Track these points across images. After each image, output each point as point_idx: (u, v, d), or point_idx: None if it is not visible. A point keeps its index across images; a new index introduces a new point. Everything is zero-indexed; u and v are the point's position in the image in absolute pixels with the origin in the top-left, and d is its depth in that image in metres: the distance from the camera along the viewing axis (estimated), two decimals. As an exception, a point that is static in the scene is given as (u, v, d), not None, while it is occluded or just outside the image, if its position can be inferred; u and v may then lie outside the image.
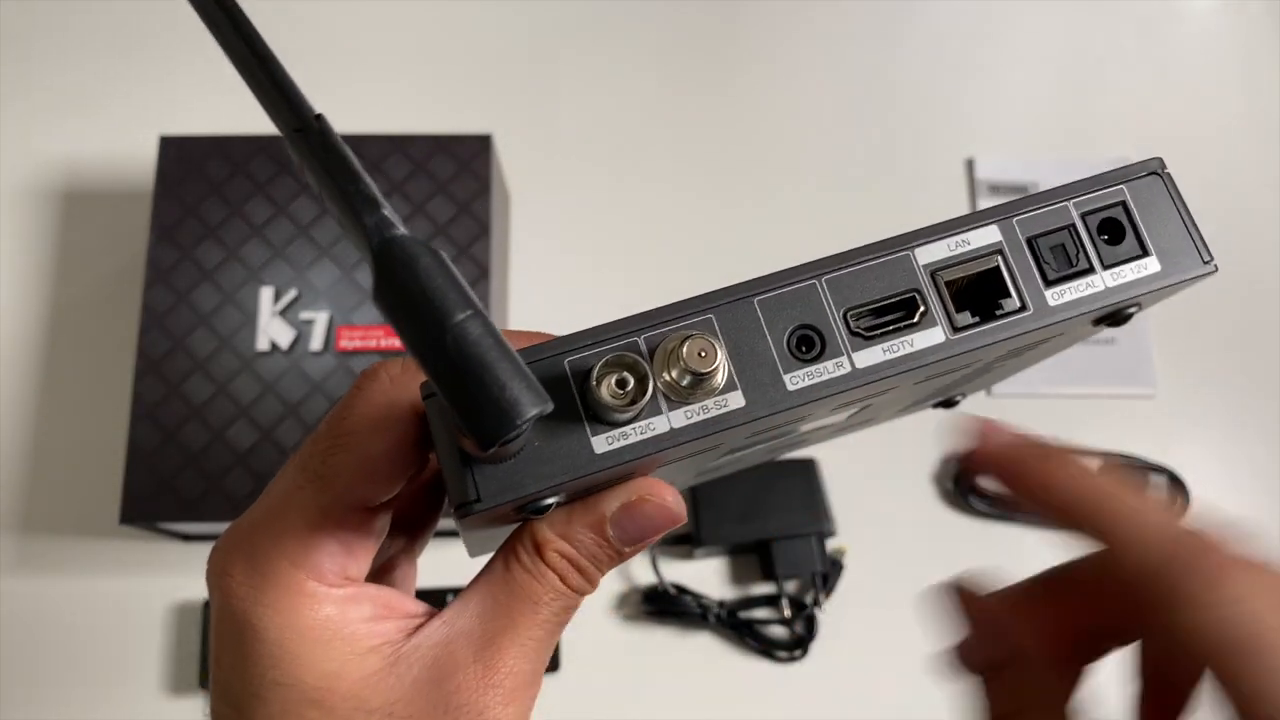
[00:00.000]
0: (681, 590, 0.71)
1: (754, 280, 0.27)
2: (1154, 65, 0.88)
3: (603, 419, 0.25)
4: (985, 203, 0.83)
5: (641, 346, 0.26)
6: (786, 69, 0.88)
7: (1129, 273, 0.28)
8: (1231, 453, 0.78)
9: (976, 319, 0.27)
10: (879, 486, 0.75)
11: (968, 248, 0.27)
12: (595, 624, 0.72)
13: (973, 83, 0.88)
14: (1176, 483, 0.75)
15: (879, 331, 0.26)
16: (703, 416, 0.25)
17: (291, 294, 0.68)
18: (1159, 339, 0.79)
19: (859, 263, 0.27)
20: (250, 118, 0.84)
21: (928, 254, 0.27)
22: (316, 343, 0.67)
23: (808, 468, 0.73)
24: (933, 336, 0.27)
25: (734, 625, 0.70)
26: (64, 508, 0.74)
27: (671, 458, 0.27)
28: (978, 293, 0.27)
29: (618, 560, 0.28)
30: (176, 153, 0.71)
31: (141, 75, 0.85)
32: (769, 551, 0.70)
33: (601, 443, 0.25)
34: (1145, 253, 0.28)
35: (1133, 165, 0.29)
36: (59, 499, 0.74)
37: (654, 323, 0.26)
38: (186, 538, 0.71)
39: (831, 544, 0.72)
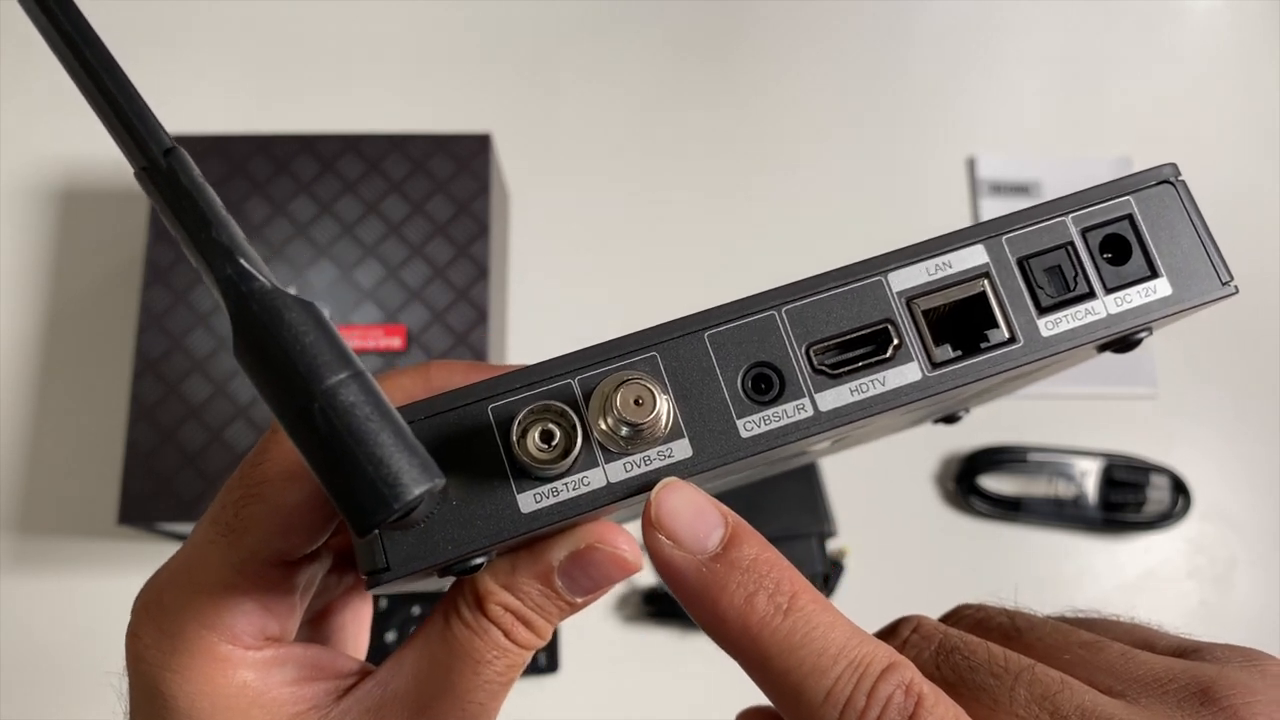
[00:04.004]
0: (681, 591, 0.71)
1: (705, 312, 0.23)
2: (1154, 65, 0.88)
3: (530, 474, 0.22)
4: (986, 202, 0.83)
5: (575, 390, 0.23)
6: (787, 68, 0.87)
7: (1136, 297, 0.24)
8: (1231, 453, 0.78)
9: (958, 353, 0.24)
10: (879, 486, 0.75)
11: (949, 271, 0.24)
12: (595, 624, 0.72)
13: (974, 82, 0.87)
14: (1177, 483, 0.75)
15: (846, 369, 0.23)
16: (644, 469, 0.23)
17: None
18: (1159, 339, 0.79)
19: (824, 290, 0.24)
20: (249, 118, 0.84)
21: (903, 279, 0.24)
22: (316, 343, 0.67)
23: (808, 468, 0.73)
24: (908, 374, 0.23)
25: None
26: (62, 508, 0.73)
27: (613, 511, 0.24)
28: (961, 322, 0.24)
29: (570, 611, 0.25)
30: (175, 152, 0.71)
31: (141, 75, 0.85)
32: (769, 552, 0.70)
33: (529, 500, 0.22)
34: (1154, 274, 0.24)
35: (1142, 173, 0.25)
36: (57, 499, 0.74)
37: (590, 362, 0.23)
38: (185, 539, 0.71)
39: (832, 544, 0.72)
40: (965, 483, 0.74)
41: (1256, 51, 0.89)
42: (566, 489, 0.22)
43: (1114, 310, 0.24)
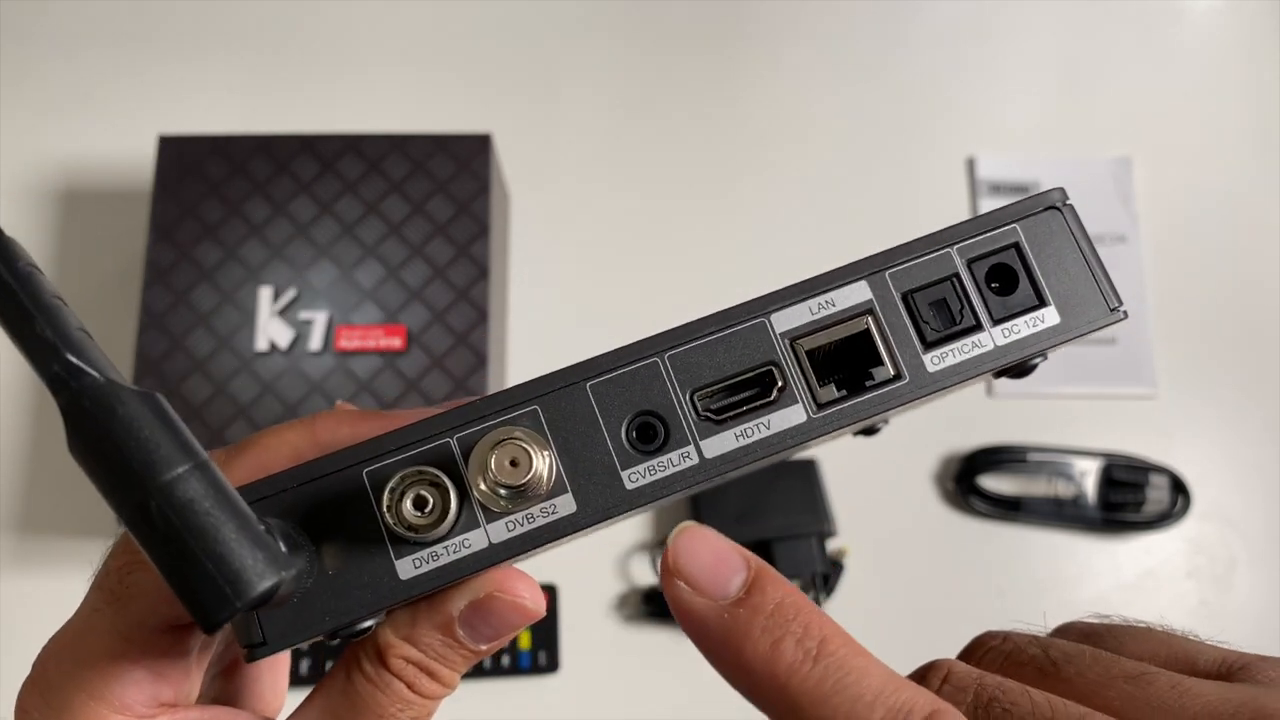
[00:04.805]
0: (681, 590, 0.71)
1: (586, 362, 0.23)
2: (1154, 65, 0.88)
3: (407, 539, 0.22)
4: (986, 202, 0.83)
5: (455, 449, 0.22)
6: (787, 68, 0.88)
7: (1023, 327, 0.24)
8: (1231, 453, 0.78)
9: (843, 393, 0.23)
10: (879, 486, 0.75)
11: (832, 309, 0.23)
12: (595, 624, 0.72)
13: (974, 82, 0.87)
14: (1176, 483, 0.75)
15: (730, 414, 0.23)
16: (528, 527, 0.22)
17: (290, 294, 0.68)
18: (1159, 339, 0.79)
19: (707, 335, 0.23)
20: (249, 118, 0.84)
21: (786, 320, 0.23)
22: (315, 342, 0.67)
23: (808, 468, 0.73)
24: (792, 416, 0.23)
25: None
26: (63, 508, 0.74)
27: (510, 563, 0.24)
28: (846, 359, 0.24)
29: (475, 659, 0.24)
30: (175, 152, 0.71)
31: (141, 75, 0.85)
32: (769, 552, 0.70)
33: (407, 566, 0.22)
34: (1042, 303, 0.24)
35: (1028, 199, 0.24)
36: (58, 499, 0.74)
37: (468, 420, 0.22)
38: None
39: (832, 544, 0.72)
40: (965, 482, 0.74)
41: (1256, 51, 0.89)
42: (446, 553, 0.22)
43: (1001, 342, 0.24)
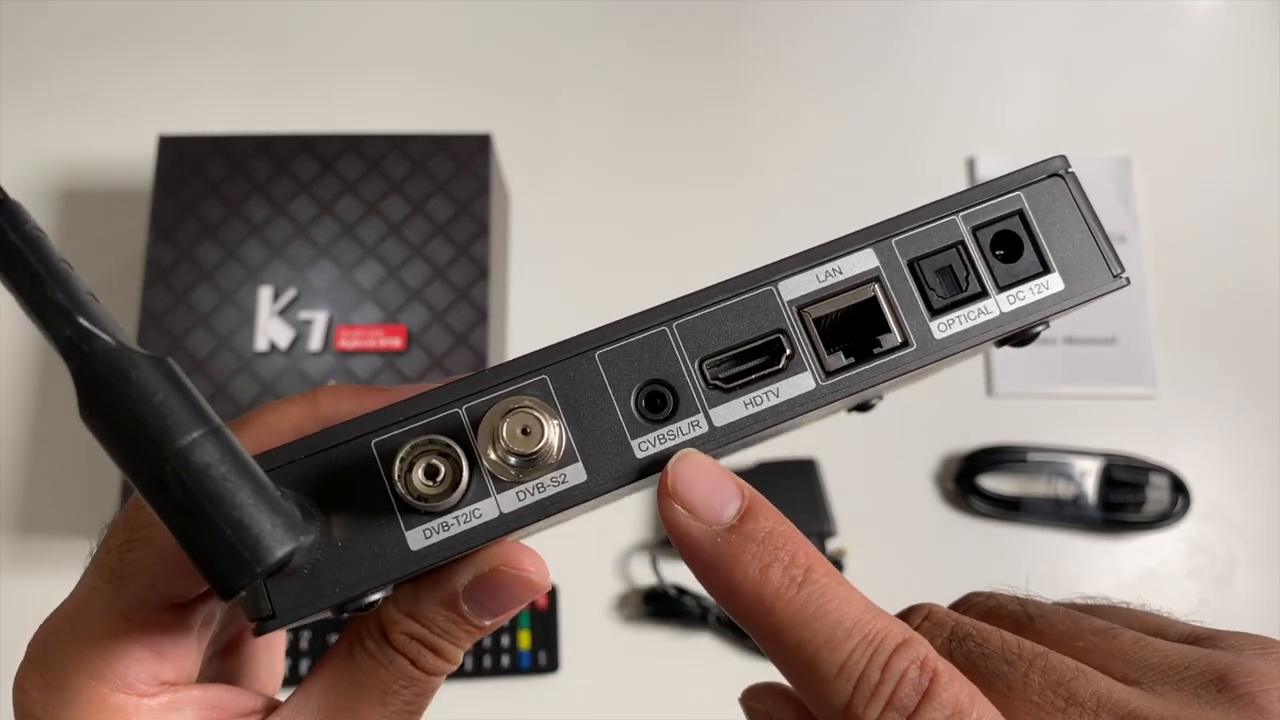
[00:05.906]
0: (682, 591, 0.71)
1: (595, 331, 0.23)
2: (1154, 65, 0.88)
3: (418, 509, 0.22)
4: (985, 202, 0.83)
5: (464, 419, 0.22)
6: (787, 68, 0.88)
7: (1028, 294, 0.24)
8: (1231, 453, 0.78)
9: (851, 360, 0.23)
10: (879, 486, 0.75)
11: (839, 277, 0.24)
12: (595, 624, 0.72)
13: (974, 82, 0.87)
14: (1176, 483, 0.75)
15: (739, 382, 0.23)
16: (539, 496, 0.22)
17: (290, 294, 0.68)
18: (1159, 339, 0.79)
19: (715, 303, 0.24)
20: (249, 118, 0.84)
21: (793, 288, 0.24)
22: (315, 342, 0.67)
23: (808, 468, 0.73)
24: (801, 384, 0.23)
25: (734, 626, 0.70)
26: (63, 508, 0.74)
27: (514, 538, 0.23)
28: (853, 327, 0.24)
29: (479, 634, 0.24)
30: (175, 152, 0.71)
31: (141, 75, 0.85)
32: (769, 552, 0.70)
33: (418, 536, 0.22)
34: (1046, 269, 0.24)
35: (1031, 167, 0.24)
36: (58, 500, 0.74)
37: (477, 390, 0.22)
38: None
39: (832, 544, 0.72)
40: (965, 482, 0.74)
41: (1256, 51, 0.89)
42: (457, 523, 0.22)
43: (1007, 308, 0.24)
